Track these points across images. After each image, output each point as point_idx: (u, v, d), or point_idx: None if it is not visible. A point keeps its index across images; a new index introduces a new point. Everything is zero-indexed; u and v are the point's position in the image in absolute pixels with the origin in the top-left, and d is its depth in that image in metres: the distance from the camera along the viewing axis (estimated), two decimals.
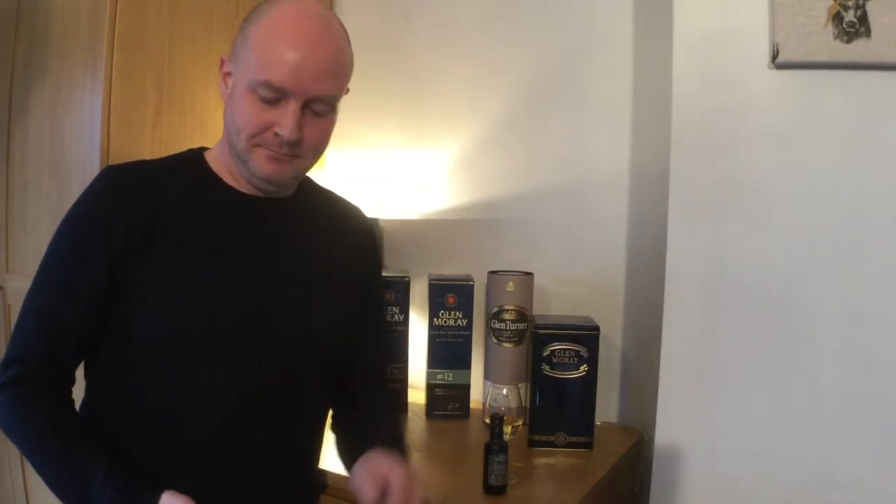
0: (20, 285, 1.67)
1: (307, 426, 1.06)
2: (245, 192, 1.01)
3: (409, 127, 1.81)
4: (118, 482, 0.87)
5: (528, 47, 1.70)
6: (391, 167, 1.84)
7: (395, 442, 1.02)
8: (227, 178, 1.01)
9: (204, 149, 1.06)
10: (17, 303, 1.68)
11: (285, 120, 0.91)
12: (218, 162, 1.02)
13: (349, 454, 1.04)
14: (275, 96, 0.91)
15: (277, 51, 0.91)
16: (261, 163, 0.94)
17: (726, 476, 1.27)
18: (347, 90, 1.03)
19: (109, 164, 1.38)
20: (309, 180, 1.12)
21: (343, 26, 0.99)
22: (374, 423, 1.08)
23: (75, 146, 1.48)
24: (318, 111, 0.94)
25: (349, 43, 1.00)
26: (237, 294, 0.97)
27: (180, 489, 0.89)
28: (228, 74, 0.98)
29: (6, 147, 1.70)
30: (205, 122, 1.57)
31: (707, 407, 1.29)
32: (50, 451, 0.91)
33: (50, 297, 0.94)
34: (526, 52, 1.70)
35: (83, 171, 1.44)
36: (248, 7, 1.62)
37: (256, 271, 0.99)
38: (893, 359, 1.16)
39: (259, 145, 0.93)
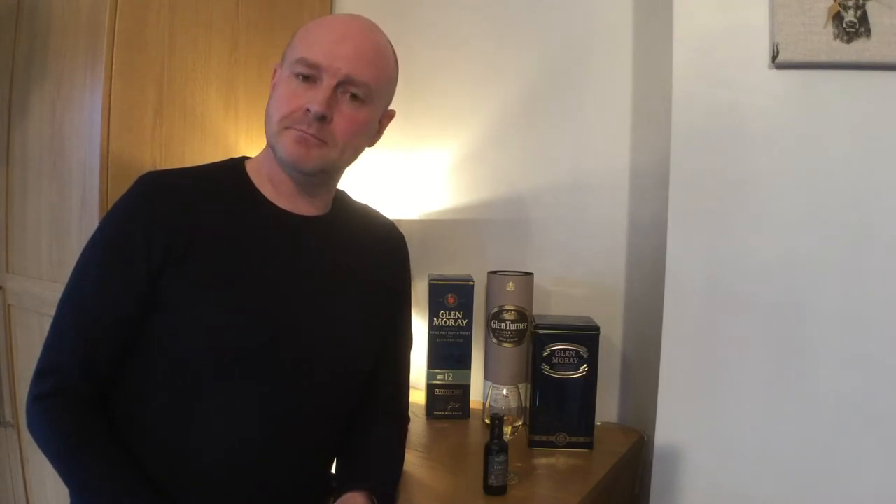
0: (20, 285, 1.67)
1: (332, 437, 1.07)
2: (283, 207, 1.01)
3: (409, 127, 1.81)
4: None
5: (528, 47, 1.70)
6: (391, 167, 1.84)
7: (381, 487, 1.02)
8: (267, 191, 1.01)
9: (245, 158, 1.06)
10: (17, 303, 1.69)
11: (316, 95, 0.93)
12: (258, 173, 1.02)
13: (336, 479, 1.06)
14: (310, 73, 0.94)
15: (317, 33, 0.97)
16: (288, 145, 0.94)
17: (726, 477, 1.27)
18: (392, 113, 1.07)
19: (110, 163, 1.39)
20: (344, 195, 1.13)
21: (391, 44, 1.03)
22: (371, 457, 1.07)
23: (75, 146, 1.48)
24: (353, 93, 0.96)
25: (395, 58, 1.04)
26: (271, 311, 0.97)
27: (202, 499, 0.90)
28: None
29: (6, 147, 1.70)
30: (205, 122, 1.57)
31: (707, 407, 1.29)
32: (86, 477, 0.89)
33: (88, 308, 0.93)
34: (526, 52, 1.70)
35: (83, 171, 1.44)
36: (249, 7, 1.65)
37: (291, 288, 0.99)
38: (894, 360, 1.16)
39: (288, 127, 0.94)
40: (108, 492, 0.88)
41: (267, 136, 0.98)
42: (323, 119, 0.93)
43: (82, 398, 0.92)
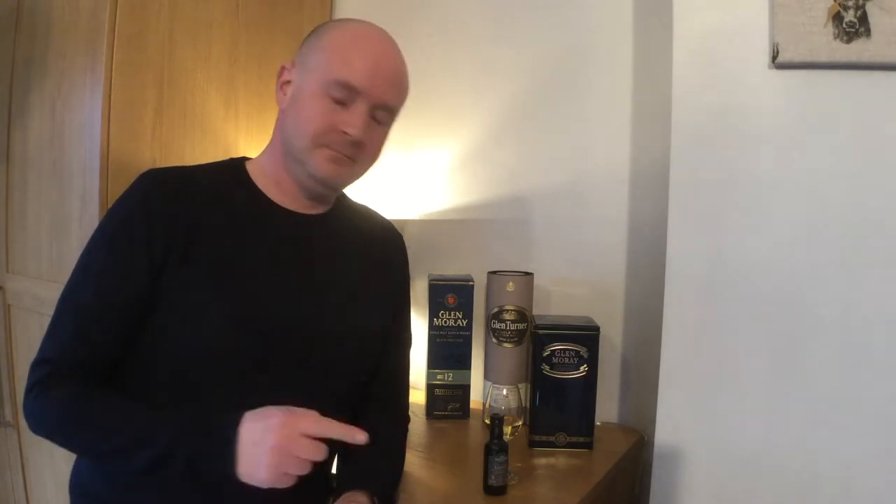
0: (20, 285, 1.67)
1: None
2: (285, 206, 1.02)
3: (410, 127, 1.80)
4: (191, 423, 0.85)
5: (528, 47, 1.70)
6: (391, 167, 1.84)
7: (381, 487, 1.02)
8: (270, 191, 1.02)
9: (245, 158, 1.07)
10: (17, 303, 1.69)
11: (354, 120, 0.95)
12: (261, 174, 1.03)
13: (337, 479, 1.05)
14: (346, 96, 0.95)
15: (355, 53, 0.96)
16: (322, 163, 0.96)
17: (726, 476, 1.27)
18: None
19: (110, 163, 1.39)
20: (343, 196, 1.14)
21: (404, 60, 1.05)
22: (371, 457, 1.06)
23: (75, 146, 1.48)
24: (379, 119, 0.99)
25: (408, 71, 1.05)
26: (271, 310, 0.97)
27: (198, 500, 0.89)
28: (288, 83, 1.00)
29: (6, 147, 1.70)
30: (205, 122, 1.57)
31: (707, 407, 1.29)
32: (95, 424, 0.87)
33: (88, 303, 0.92)
34: (526, 52, 1.70)
35: (83, 171, 1.44)
36: (249, 7, 1.65)
37: (291, 287, 0.99)
38: (894, 359, 1.16)
39: (323, 146, 0.96)
40: (128, 428, 0.86)
41: (293, 150, 0.98)
42: (359, 142, 0.96)
43: (74, 379, 0.90)
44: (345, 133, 0.95)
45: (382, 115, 0.99)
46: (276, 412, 0.84)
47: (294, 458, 0.82)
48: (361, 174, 1.04)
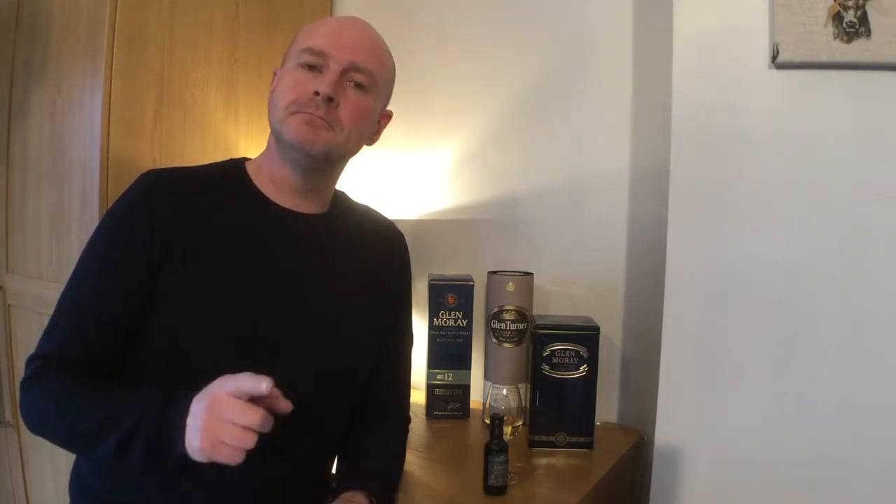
0: (20, 285, 1.67)
1: (332, 436, 1.07)
2: (284, 206, 1.02)
3: (410, 127, 1.81)
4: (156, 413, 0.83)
5: (528, 47, 1.70)
6: (391, 167, 1.84)
7: (381, 487, 1.02)
8: (268, 191, 1.02)
9: (245, 159, 1.07)
10: (17, 303, 1.69)
11: (324, 79, 0.96)
12: (259, 172, 1.03)
13: (336, 479, 1.06)
14: (316, 61, 0.96)
15: (319, 27, 1.00)
16: (295, 127, 0.95)
17: (726, 476, 1.27)
18: (390, 114, 1.08)
19: (110, 163, 1.39)
20: (344, 196, 1.14)
21: (385, 44, 1.05)
22: (371, 458, 1.07)
23: (75, 146, 1.48)
24: (357, 81, 0.98)
25: (392, 59, 1.06)
26: (271, 308, 0.97)
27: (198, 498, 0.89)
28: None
29: (6, 147, 1.70)
30: (204, 122, 1.57)
31: (707, 407, 1.29)
32: (71, 411, 0.86)
33: (87, 303, 0.92)
34: (526, 52, 1.70)
35: (83, 171, 1.44)
36: (249, 7, 1.65)
37: (290, 286, 0.99)
38: (893, 359, 1.16)
39: (296, 111, 0.96)
40: (113, 406, 0.85)
41: (271, 125, 0.99)
42: (330, 101, 0.95)
43: (68, 375, 0.90)
44: (315, 94, 0.94)
45: (360, 77, 0.98)
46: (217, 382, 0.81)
47: (225, 422, 0.77)
48: (345, 144, 0.98)
